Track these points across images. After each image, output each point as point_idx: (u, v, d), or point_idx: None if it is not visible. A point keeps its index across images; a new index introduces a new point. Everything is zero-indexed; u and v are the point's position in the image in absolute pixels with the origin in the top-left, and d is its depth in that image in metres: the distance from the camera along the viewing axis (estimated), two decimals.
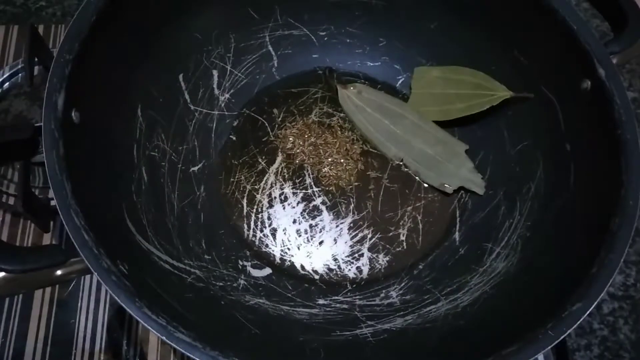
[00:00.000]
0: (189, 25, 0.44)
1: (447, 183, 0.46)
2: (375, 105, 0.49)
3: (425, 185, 0.46)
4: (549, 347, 0.29)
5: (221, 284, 0.39)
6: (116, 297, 0.27)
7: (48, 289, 0.46)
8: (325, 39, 0.50)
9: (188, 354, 0.26)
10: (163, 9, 0.42)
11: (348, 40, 0.50)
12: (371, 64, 0.50)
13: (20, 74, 0.53)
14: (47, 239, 0.47)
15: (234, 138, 0.47)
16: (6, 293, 0.30)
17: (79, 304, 0.45)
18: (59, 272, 0.29)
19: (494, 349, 0.29)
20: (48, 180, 0.48)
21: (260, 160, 0.47)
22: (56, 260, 0.28)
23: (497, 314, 0.35)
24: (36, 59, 0.51)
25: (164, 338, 0.27)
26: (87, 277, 0.46)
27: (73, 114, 0.33)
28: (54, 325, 0.45)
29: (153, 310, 0.27)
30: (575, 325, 0.29)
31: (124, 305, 0.27)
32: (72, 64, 0.34)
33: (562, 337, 0.29)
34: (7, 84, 0.53)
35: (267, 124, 0.48)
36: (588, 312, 0.29)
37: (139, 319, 0.27)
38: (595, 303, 0.30)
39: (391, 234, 0.44)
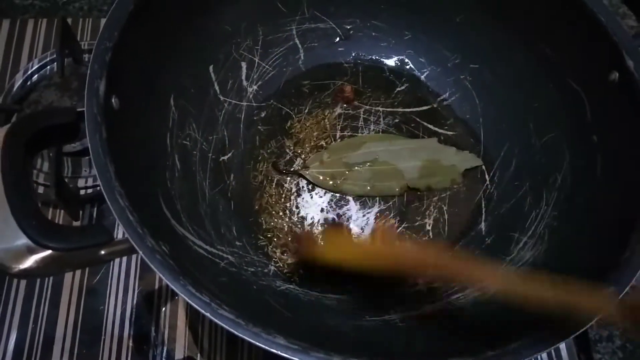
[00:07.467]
0: (219, 17, 0.45)
1: (452, 177, 0.46)
2: (340, 162, 0.47)
3: None
4: (582, 330, 0.29)
5: (252, 269, 0.40)
6: (161, 276, 0.28)
7: (77, 276, 0.47)
8: (351, 32, 0.51)
9: (232, 330, 0.27)
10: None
11: (373, 34, 0.51)
12: (396, 57, 0.51)
13: (48, 66, 0.54)
14: None
15: (262, 129, 0.48)
16: (52, 271, 0.30)
17: (108, 291, 0.46)
18: (102, 252, 0.30)
19: (527, 330, 0.30)
20: (77, 170, 0.49)
21: (287, 150, 0.47)
22: (101, 240, 0.29)
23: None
24: (66, 51, 0.52)
25: (208, 315, 0.27)
26: (116, 264, 0.47)
27: (113, 100, 0.34)
28: (83, 311, 0.45)
29: (197, 288, 0.28)
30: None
31: (169, 284, 0.28)
32: (112, 51, 0.34)
33: (593, 321, 0.29)
34: (36, 76, 0.54)
35: (293, 115, 0.49)
36: (621, 296, 0.30)
37: (184, 297, 0.27)
38: (628, 287, 0.30)
39: (417, 223, 0.45)
